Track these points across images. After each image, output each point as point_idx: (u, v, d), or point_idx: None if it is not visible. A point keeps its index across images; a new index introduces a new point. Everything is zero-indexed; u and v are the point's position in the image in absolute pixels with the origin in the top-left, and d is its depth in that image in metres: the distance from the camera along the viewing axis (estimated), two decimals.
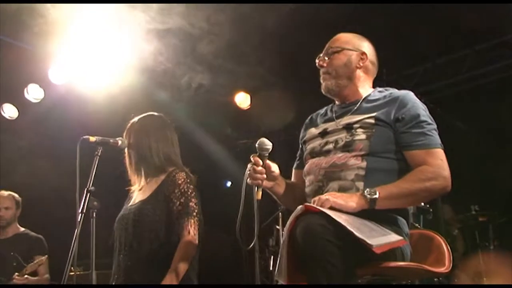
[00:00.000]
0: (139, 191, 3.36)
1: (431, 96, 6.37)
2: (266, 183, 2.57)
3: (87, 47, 5.56)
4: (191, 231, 3.10)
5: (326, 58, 2.72)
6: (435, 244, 2.54)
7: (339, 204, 2.22)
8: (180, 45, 5.40)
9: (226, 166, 8.17)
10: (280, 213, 5.10)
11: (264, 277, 8.24)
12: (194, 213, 3.17)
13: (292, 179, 2.88)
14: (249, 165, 2.53)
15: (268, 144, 2.53)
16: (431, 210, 5.24)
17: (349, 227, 2.05)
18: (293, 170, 2.91)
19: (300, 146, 2.89)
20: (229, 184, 8.87)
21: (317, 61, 2.77)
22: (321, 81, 2.73)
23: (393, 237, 2.26)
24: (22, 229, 5.21)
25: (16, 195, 5.21)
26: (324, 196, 2.27)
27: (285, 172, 2.78)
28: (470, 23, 5.74)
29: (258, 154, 2.54)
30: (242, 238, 2.55)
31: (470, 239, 5.69)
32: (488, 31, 5.96)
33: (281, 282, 2.18)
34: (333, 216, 2.08)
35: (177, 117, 6.51)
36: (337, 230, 2.04)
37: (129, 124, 3.42)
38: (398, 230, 2.39)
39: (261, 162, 2.52)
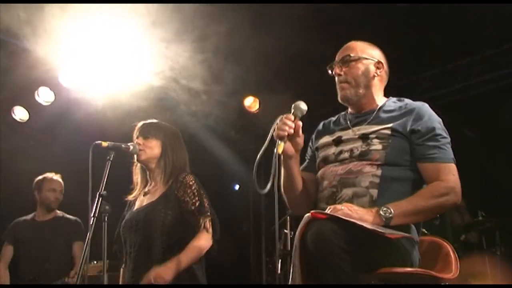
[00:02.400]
0: (144, 196, 3.44)
1: (439, 102, 6.36)
2: (288, 147, 2.54)
3: (97, 50, 5.61)
4: (208, 230, 3.23)
5: (343, 67, 2.73)
6: (443, 251, 2.58)
7: (354, 219, 2.20)
8: (189, 49, 5.44)
9: (234, 170, 8.21)
10: (288, 217, 5.11)
11: (272, 281, 8.28)
12: (209, 213, 3.30)
13: None
14: (279, 118, 2.52)
15: (304, 106, 2.56)
16: (438, 215, 5.26)
17: (359, 223, 2.10)
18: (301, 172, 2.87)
19: (310, 150, 2.90)
20: (237, 187, 8.88)
21: (333, 69, 2.76)
22: (339, 90, 2.74)
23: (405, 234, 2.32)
24: (59, 212, 5.17)
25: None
26: (339, 206, 2.28)
27: None
28: (478, 28, 5.76)
29: (292, 113, 2.54)
30: (259, 180, 2.46)
31: (477, 245, 5.69)
32: (497, 37, 5.95)
33: None
34: (343, 217, 2.11)
35: (185, 120, 6.60)
36: (347, 235, 2.07)
37: (140, 128, 3.48)
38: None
39: (292, 118, 2.52)
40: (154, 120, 3.60)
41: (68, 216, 5.14)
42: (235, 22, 5.05)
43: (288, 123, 2.49)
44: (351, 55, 2.72)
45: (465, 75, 6.54)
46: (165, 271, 3.08)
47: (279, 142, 2.47)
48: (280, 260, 5.14)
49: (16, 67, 5.58)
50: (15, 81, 5.73)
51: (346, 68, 2.71)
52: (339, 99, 2.76)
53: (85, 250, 2.70)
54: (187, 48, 5.41)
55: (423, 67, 6.71)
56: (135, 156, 3.38)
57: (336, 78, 2.75)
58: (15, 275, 4.89)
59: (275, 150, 2.46)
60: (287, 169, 2.63)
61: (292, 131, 2.50)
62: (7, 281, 4.84)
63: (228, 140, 7.85)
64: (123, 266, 3.38)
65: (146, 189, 3.45)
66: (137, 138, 3.43)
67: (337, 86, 2.75)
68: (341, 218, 2.12)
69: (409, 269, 2.33)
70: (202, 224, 3.24)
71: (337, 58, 2.78)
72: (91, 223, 2.76)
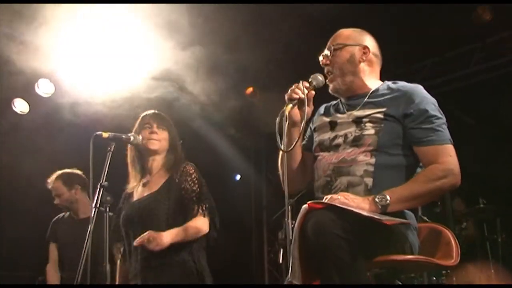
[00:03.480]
0: (143, 186, 3.44)
1: (439, 89, 6.37)
2: (295, 112, 2.59)
3: (98, 41, 5.59)
4: (206, 215, 3.27)
5: (329, 56, 2.74)
6: (444, 238, 2.57)
7: (350, 207, 2.19)
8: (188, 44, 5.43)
9: (235, 160, 8.23)
10: (289, 207, 5.12)
11: (274, 270, 8.32)
12: (208, 200, 3.33)
13: None
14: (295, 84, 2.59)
15: (322, 78, 2.63)
16: (439, 203, 5.26)
17: (356, 210, 2.11)
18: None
19: (310, 130, 2.91)
20: (238, 177, 8.89)
21: (320, 59, 2.79)
22: (328, 82, 2.74)
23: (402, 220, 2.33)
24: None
25: (64, 173, 4.80)
26: (336, 196, 2.29)
27: None
28: (479, 16, 5.75)
29: (309, 81, 2.61)
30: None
31: (478, 232, 5.70)
32: (498, 24, 5.93)
33: (296, 283, 2.18)
34: (340, 206, 2.12)
35: (185, 111, 6.59)
36: (346, 224, 2.08)
37: (153, 117, 3.48)
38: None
39: (308, 85, 2.59)
40: (156, 111, 3.60)
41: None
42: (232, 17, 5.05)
43: (301, 87, 2.55)
44: (335, 44, 2.74)
45: (465, 63, 6.53)
46: (162, 235, 3.10)
47: (288, 103, 2.53)
48: (281, 250, 5.17)
49: (16, 60, 5.56)
50: (15, 73, 5.71)
51: (332, 57, 2.73)
52: (330, 91, 2.77)
53: (87, 241, 2.70)
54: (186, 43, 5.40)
55: (423, 55, 6.71)
56: (147, 143, 3.38)
57: (325, 70, 2.77)
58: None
59: (284, 110, 2.51)
60: (289, 136, 2.62)
61: (303, 96, 2.54)
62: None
63: (228, 131, 7.84)
64: (120, 257, 3.39)
65: (145, 180, 3.45)
66: (150, 127, 3.42)
67: (327, 80, 2.75)
68: (339, 207, 2.13)
69: (409, 256, 2.34)
70: (200, 210, 3.28)
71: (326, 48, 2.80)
72: (92, 214, 2.76)
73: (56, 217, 4.93)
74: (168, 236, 3.12)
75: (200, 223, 3.27)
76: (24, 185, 5.67)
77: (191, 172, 3.37)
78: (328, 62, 2.74)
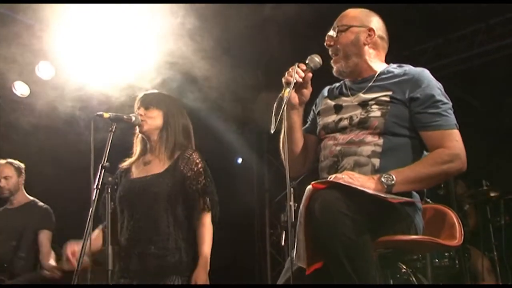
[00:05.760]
0: (144, 165, 3.40)
1: (443, 71, 6.33)
2: (294, 96, 2.58)
3: (101, 27, 5.54)
4: (213, 211, 3.28)
5: (334, 37, 2.70)
6: (448, 218, 2.56)
7: (355, 186, 2.18)
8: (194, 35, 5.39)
9: (237, 144, 8.22)
10: (292, 189, 5.09)
11: (276, 253, 8.33)
12: (211, 194, 3.31)
13: None
14: (291, 67, 2.55)
15: (319, 59, 2.60)
16: (442, 185, 5.24)
17: (361, 188, 2.10)
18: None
19: (313, 113, 2.88)
20: (240, 160, 8.89)
21: (325, 40, 2.74)
22: (332, 64, 2.72)
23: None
24: (31, 198, 4.99)
25: (16, 162, 4.98)
26: (340, 175, 2.26)
27: None
28: None
29: (306, 63, 2.58)
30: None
31: (481, 214, 5.68)
32: (501, 4, 5.87)
33: (301, 265, 2.16)
34: (345, 184, 2.11)
35: (188, 97, 6.56)
36: (351, 203, 2.06)
37: (141, 99, 3.44)
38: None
39: (304, 68, 2.55)
40: (155, 91, 3.57)
41: (39, 203, 4.98)
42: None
43: (299, 71, 2.52)
44: (340, 25, 2.70)
45: (468, 44, 6.48)
46: (199, 277, 3.14)
47: (286, 87, 2.49)
48: (284, 233, 5.16)
49: (16, 42, 5.52)
50: (15, 55, 5.67)
51: (336, 38, 2.69)
52: (334, 73, 2.74)
53: (88, 224, 2.68)
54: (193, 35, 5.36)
55: (426, 37, 6.66)
56: (137, 127, 3.35)
57: (329, 51, 2.73)
58: None
59: (280, 94, 2.48)
60: (289, 120, 2.59)
61: (301, 80, 2.53)
62: None
63: (230, 114, 7.80)
64: (101, 227, 3.33)
65: (146, 159, 3.42)
66: (138, 108, 3.40)
67: (331, 61, 2.73)
68: (343, 185, 2.11)
69: (414, 236, 2.33)
70: (205, 205, 3.27)
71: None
72: (93, 195, 2.73)
73: None
74: (205, 271, 3.18)
75: (208, 222, 3.28)
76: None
77: (197, 161, 3.33)
78: (332, 43, 2.70)
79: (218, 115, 7.62)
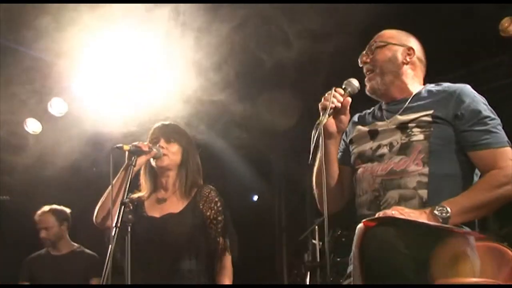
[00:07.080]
0: (158, 203, 3.22)
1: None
2: (331, 123, 2.39)
3: (111, 61, 5.44)
4: (230, 251, 3.17)
5: (370, 54, 2.53)
6: (505, 257, 2.32)
7: (412, 219, 1.98)
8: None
9: (252, 181, 8.03)
10: (316, 227, 4.88)
11: None
12: (232, 235, 3.20)
13: None
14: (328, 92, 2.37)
15: (357, 83, 2.43)
16: None
17: (421, 220, 1.92)
18: None
19: (344, 142, 2.68)
20: (255, 198, 8.70)
21: (359, 59, 2.59)
22: (366, 82, 2.54)
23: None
24: (76, 245, 4.91)
25: (59, 209, 4.90)
26: (390, 211, 2.04)
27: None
28: (505, 29, 5.54)
29: (343, 88, 2.41)
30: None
31: None
32: None
33: None
34: (401, 217, 1.90)
35: (202, 132, 6.41)
36: (409, 239, 1.84)
37: (161, 130, 3.26)
38: None
39: (342, 92, 2.37)
40: (172, 122, 3.39)
41: (85, 250, 4.90)
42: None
43: (337, 96, 2.35)
44: (377, 41, 2.54)
45: (492, 75, 6.31)
46: None
47: (323, 114, 2.31)
48: (309, 273, 4.91)
49: (28, 78, 5.43)
50: (27, 92, 5.58)
51: (373, 55, 2.53)
52: (366, 91, 2.56)
53: (107, 263, 2.48)
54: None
55: (448, 68, 6.51)
56: (152, 160, 3.16)
57: (364, 69, 2.56)
58: None
59: (320, 120, 2.29)
60: (325, 150, 2.35)
61: (339, 105, 2.35)
62: None
63: (245, 151, 7.65)
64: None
65: (160, 196, 3.23)
66: (155, 138, 3.21)
67: (365, 79, 2.56)
68: (399, 219, 1.88)
69: (477, 279, 2.07)
70: (226, 246, 3.16)
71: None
72: (113, 233, 2.53)
73: (31, 256, 4.86)
74: None
75: (229, 263, 3.18)
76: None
77: (216, 200, 3.20)
78: (368, 60, 2.54)
79: (232, 152, 7.49)
